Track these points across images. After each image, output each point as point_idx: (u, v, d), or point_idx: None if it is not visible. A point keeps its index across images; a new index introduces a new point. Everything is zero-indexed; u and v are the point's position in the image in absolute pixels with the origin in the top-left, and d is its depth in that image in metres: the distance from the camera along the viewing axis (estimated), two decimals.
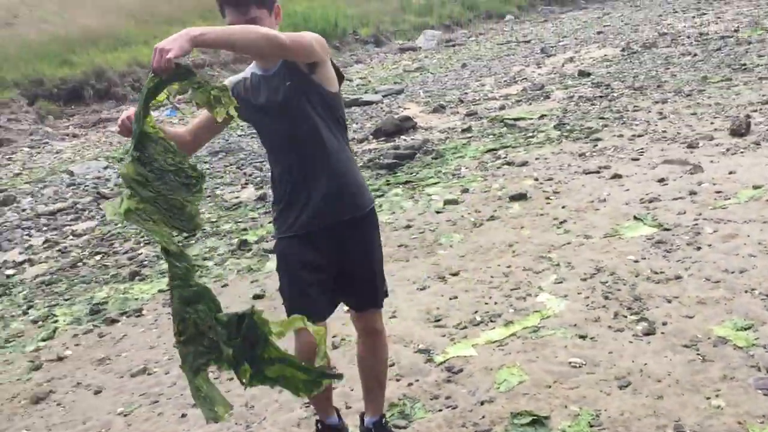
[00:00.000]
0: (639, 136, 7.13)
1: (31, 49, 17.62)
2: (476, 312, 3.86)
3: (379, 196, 6.77)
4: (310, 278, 2.54)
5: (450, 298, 4.10)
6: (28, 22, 20.98)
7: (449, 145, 8.46)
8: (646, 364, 3.08)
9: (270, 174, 2.73)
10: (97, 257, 6.40)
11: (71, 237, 7.24)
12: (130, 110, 2.30)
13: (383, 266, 2.74)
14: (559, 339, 3.39)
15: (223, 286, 5.14)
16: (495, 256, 4.67)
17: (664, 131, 7.12)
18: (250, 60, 2.67)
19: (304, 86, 2.47)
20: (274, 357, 1.96)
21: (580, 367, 3.15)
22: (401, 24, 24.71)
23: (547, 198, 5.74)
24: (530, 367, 3.22)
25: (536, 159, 7.01)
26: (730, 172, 5.41)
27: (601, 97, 9.70)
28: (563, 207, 5.42)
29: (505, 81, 13.12)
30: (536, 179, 6.33)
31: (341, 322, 3.64)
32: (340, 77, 2.60)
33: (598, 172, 6.13)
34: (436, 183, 6.88)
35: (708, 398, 2.79)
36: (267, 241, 5.95)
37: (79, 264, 6.27)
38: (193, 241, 6.37)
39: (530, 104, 10.20)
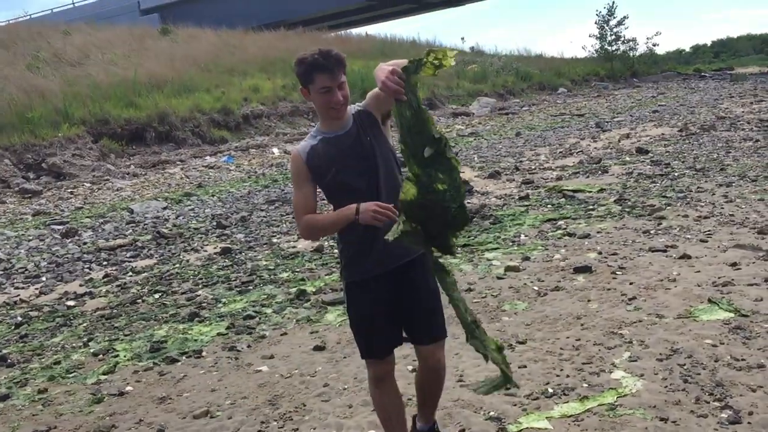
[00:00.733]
0: (705, 217, 7.03)
1: (100, 89, 18.37)
2: (548, 383, 3.77)
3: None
4: (380, 315, 2.84)
5: (519, 367, 4.02)
6: (98, 63, 21.93)
7: (507, 211, 8.45)
8: None
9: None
10: (156, 295, 6.47)
11: (131, 273, 7.35)
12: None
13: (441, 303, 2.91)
14: (639, 419, 3.28)
15: (282, 335, 5.14)
16: (563, 328, 4.58)
17: (732, 215, 7.01)
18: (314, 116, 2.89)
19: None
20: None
21: None
22: (455, 89, 25.15)
23: (613, 273, 5.65)
24: None
25: (598, 232, 6.94)
26: None
27: (661, 175, 9.64)
28: (631, 283, 5.33)
29: (560, 152, 13.15)
30: (600, 253, 6.25)
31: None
32: None
33: (665, 251, 6.03)
34: (495, 248, 6.85)
35: None
36: (325, 293, 5.95)
37: (139, 301, 6.34)
38: (251, 287, 6.41)
39: (588, 177, 10.18)
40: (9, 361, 5.10)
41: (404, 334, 2.93)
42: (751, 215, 6.90)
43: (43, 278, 7.45)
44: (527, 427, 3.35)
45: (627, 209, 7.83)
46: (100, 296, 6.65)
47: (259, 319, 5.55)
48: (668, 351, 4.01)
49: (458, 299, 2.59)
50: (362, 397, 3.87)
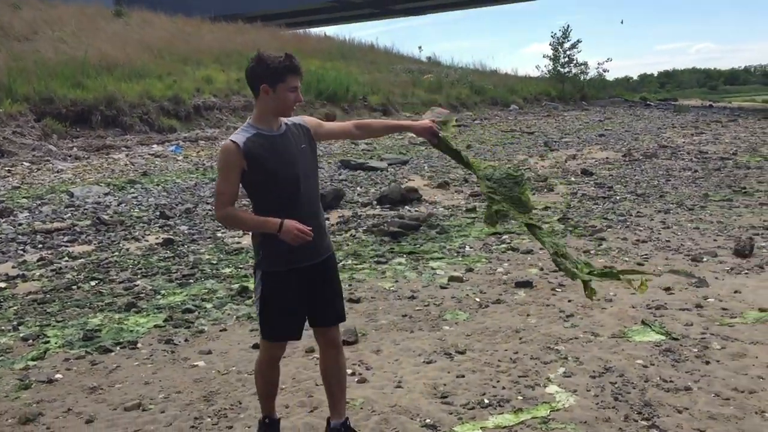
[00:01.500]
0: (643, 241, 7.26)
1: (47, 66, 17.78)
2: (484, 394, 3.82)
3: (383, 263, 6.78)
4: (293, 305, 3.08)
5: (457, 376, 4.07)
6: (46, 39, 21.24)
7: (454, 222, 8.55)
8: None
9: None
10: (93, 282, 6.30)
11: (67, 258, 7.14)
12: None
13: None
14: None
15: (221, 331, 5.07)
16: (502, 340, 4.66)
17: (668, 241, 7.26)
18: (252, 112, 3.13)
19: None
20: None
21: None
22: (410, 97, 25.32)
23: (553, 289, 5.78)
24: None
25: (540, 249, 7.07)
26: (735, 291, 5.49)
27: (604, 197, 9.91)
28: (569, 300, 5.46)
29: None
30: (541, 269, 6.39)
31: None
32: None
33: None
34: (440, 258, 6.92)
35: None
36: None
37: (74, 287, 6.16)
38: (192, 281, 6.30)
39: (534, 194, 10.38)
40: None
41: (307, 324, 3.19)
42: (686, 242, 7.16)
43: None
44: None
45: (570, 228, 8.03)
46: (33, 279, 6.43)
47: (199, 313, 5.47)
48: (601, 369, 4.12)
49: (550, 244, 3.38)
50: (299, 398, 3.85)
